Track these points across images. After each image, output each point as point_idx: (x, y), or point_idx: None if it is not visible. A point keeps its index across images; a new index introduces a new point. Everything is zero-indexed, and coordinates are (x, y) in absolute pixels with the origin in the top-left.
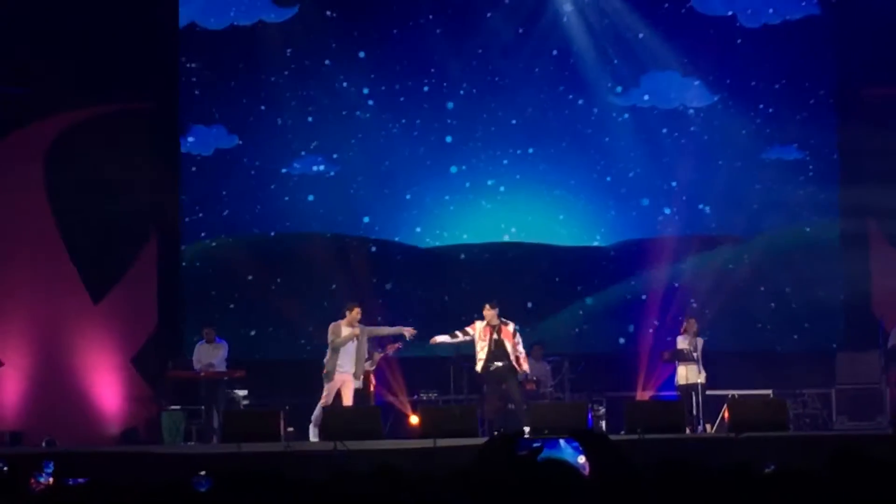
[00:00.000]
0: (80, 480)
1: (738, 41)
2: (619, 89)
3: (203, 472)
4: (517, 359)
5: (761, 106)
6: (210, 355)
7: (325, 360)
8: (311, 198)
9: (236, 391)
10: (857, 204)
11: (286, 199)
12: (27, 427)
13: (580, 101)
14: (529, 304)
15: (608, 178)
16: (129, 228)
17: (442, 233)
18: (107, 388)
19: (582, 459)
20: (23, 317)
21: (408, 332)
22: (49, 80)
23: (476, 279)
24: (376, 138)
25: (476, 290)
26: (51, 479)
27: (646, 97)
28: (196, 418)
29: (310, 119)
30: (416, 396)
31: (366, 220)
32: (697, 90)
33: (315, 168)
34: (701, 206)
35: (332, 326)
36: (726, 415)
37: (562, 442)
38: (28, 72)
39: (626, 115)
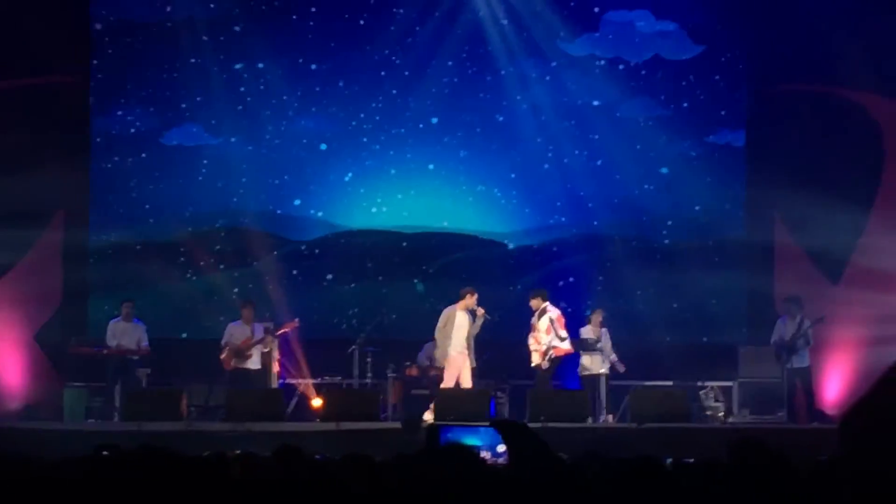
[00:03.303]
0: None
1: (635, 40)
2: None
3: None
4: None
5: (677, 99)
6: (126, 334)
7: (439, 348)
8: (230, 178)
9: (139, 369)
10: (764, 200)
11: (198, 179)
12: None
13: (483, 95)
14: (420, 288)
15: (510, 166)
16: (36, 204)
17: (354, 213)
18: (8, 363)
19: (502, 448)
20: None
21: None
22: None
23: (378, 265)
24: (296, 122)
25: (377, 277)
26: None
27: (550, 91)
28: (99, 396)
29: (238, 105)
30: (320, 379)
31: (283, 199)
32: (604, 85)
33: (236, 149)
34: (602, 198)
35: (446, 311)
36: (629, 405)
37: (482, 430)
38: None
39: (525, 107)
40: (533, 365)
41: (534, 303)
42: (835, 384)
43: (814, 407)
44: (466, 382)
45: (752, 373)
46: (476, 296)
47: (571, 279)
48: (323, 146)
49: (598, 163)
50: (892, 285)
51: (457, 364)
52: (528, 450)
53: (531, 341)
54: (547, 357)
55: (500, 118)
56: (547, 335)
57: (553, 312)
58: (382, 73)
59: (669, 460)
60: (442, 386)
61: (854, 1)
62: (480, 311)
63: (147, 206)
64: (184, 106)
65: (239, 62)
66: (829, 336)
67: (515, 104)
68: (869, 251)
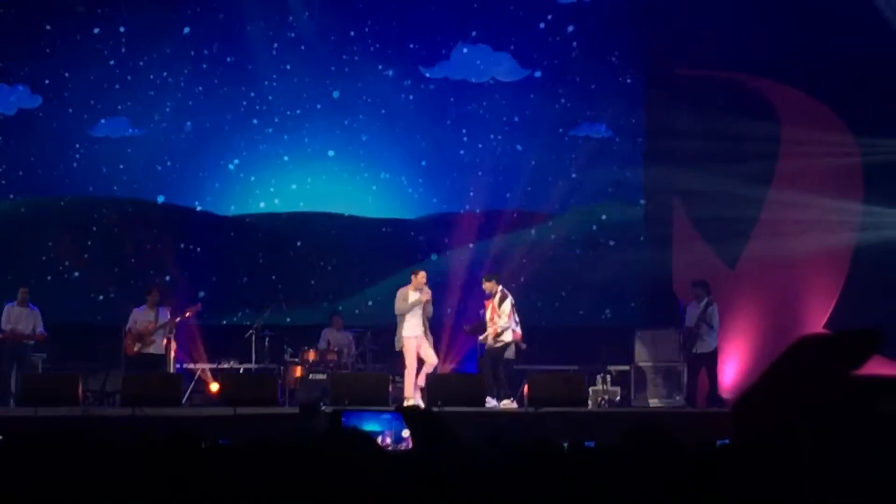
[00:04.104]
0: None
1: (549, 17)
2: (429, 61)
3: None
4: None
5: (578, 80)
6: (22, 319)
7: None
8: (111, 162)
9: (34, 354)
10: (662, 184)
11: (87, 162)
12: None
13: (390, 73)
14: (330, 270)
15: (416, 151)
16: None
17: (246, 201)
18: None
19: (406, 433)
20: None
21: None
22: None
23: (277, 249)
24: (183, 103)
25: (277, 261)
26: None
27: (456, 70)
28: None
29: (115, 84)
30: (217, 364)
31: (168, 185)
32: (508, 65)
33: (119, 132)
34: (508, 183)
35: (399, 292)
36: (526, 389)
37: (384, 415)
38: None
39: (433, 87)
40: (481, 338)
41: (488, 286)
42: (731, 369)
43: (716, 392)
44: (431, 360)
45: (649, 357)
46: (422, 273)
47: (477, 264)
48: (188, 125)
49: (519, 147)
50: (787, 271)
51: (410, 347)
52: (433, 436)
53: (489, 324)
54: (498, 339)
55: (411, 97)
56: (508, 319)
57: (510, 297)
58: (275, 46)
59: (566, 444)
60: (406, 372)
61: None
62: (426, 294)
63: (13, 196)
64: (61, 85)
65: (118, 37)
66: (725, 321)
67: (423, 82)
68: (765, 236)
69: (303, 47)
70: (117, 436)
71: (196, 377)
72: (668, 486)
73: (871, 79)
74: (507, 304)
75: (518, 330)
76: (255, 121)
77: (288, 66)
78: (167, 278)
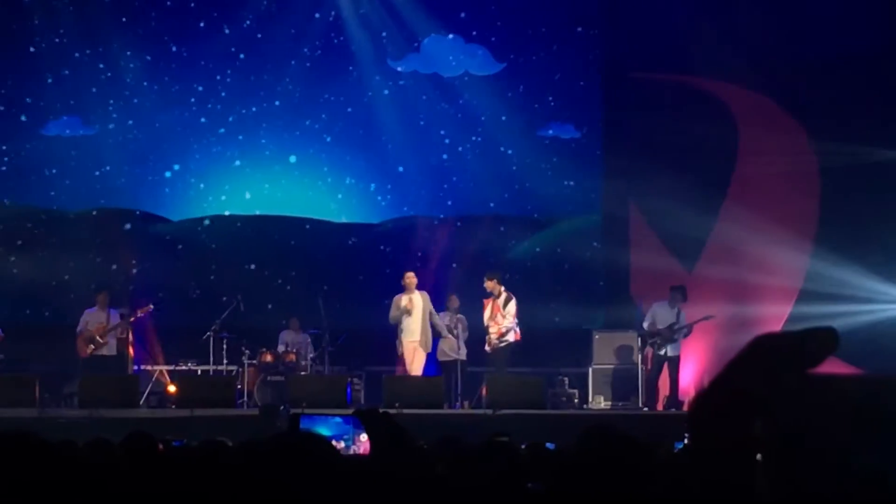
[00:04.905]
0: None
1: (514, 13)
2: (396, 55)
3: None
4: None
5: (552, 79)
6: None
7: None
8: (55, 164)
9: None
10: (620, 187)
11: (31, 163)
12: None
13: (354, 67)
14: (290, 277)
15: (384, 153)
16: None
17: (201, 204)
18: None
19: (364, 437)
20: None
21: None
22: None
23: (234, 253)
24: (129, 101)
25: (234, 265)
26: None
27: (426, 64)
28: None
29: (48, 78)
30: (174, 365)
31: (112, 190)
32: (482, 57)
33: (69, 131)
34: (467, 184)
35: (393, 300)
36: (484, 391)
37: (340, 418)
38: None
39: (403, 82)
40: (488, 348)
41: (490, 284)
42: (688, 371)
43: (676, 395)
44: (417, 371)
45: (607, 359)
46: (408, 274)
47: (436, 265)
48: (130, 123)
49: (510, 152)
50: (745, 273)
51: (407, 351)
52: (390, 439)
53: (491, 324)
54: (502, 339)
55: (385, 92)
56: (513, 320)
57: (514, 297)
58: (227, 32)
59: (524, 446)
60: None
61: None
62: (416, 302)
63: None
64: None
65: (56, 29)
66: None
67: (392, 77)
68: (722, 239)
69: (259, 36)
70: (74, 437)
71: (154, 378)
72: (626, 488)
73: (829, 83)
74: (513, 305)
75: (518, 330)
76: (203, 119)
77: (242, 56)
78: (116, 285)
